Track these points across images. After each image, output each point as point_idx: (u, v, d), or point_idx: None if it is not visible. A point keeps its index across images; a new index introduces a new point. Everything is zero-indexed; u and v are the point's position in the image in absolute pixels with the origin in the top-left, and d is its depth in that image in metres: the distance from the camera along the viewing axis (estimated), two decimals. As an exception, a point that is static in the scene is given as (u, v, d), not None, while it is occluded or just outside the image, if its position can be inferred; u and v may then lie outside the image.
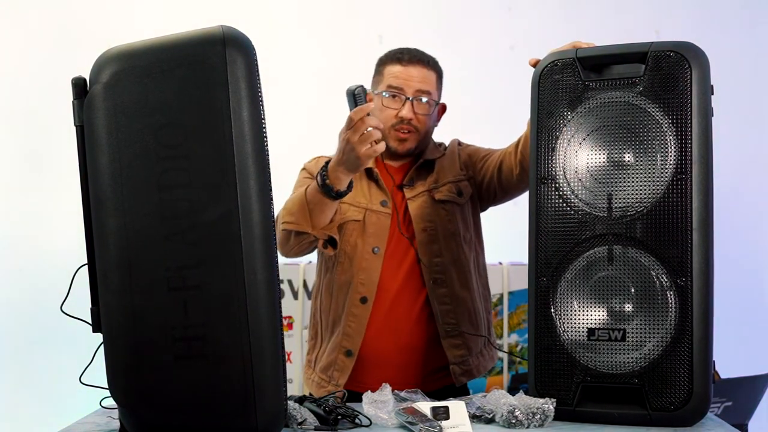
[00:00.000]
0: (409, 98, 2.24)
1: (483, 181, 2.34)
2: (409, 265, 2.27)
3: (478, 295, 2.34)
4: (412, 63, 2.27)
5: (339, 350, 2.25)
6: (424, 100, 2.26)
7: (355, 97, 1.95)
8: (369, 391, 1.86)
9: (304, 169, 2.38)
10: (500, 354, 3.23)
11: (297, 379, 2.81)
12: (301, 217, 2.10)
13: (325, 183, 2.03)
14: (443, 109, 2.38)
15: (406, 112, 2.24)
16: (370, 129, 1.94)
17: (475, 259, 2.34)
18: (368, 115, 1.95)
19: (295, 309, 3.19)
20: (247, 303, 1.54)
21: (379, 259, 2.24)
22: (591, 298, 1.82)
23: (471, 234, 2.35)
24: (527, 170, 2.06)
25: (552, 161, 1.87)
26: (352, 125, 1.95)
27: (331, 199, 2.06)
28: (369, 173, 2.31)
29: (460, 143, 2.44)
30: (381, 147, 1.97)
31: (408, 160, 2.35)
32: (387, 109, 2.26)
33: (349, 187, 2.07)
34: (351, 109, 1.96)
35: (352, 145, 1.95)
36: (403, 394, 1.93)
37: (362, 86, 1.97)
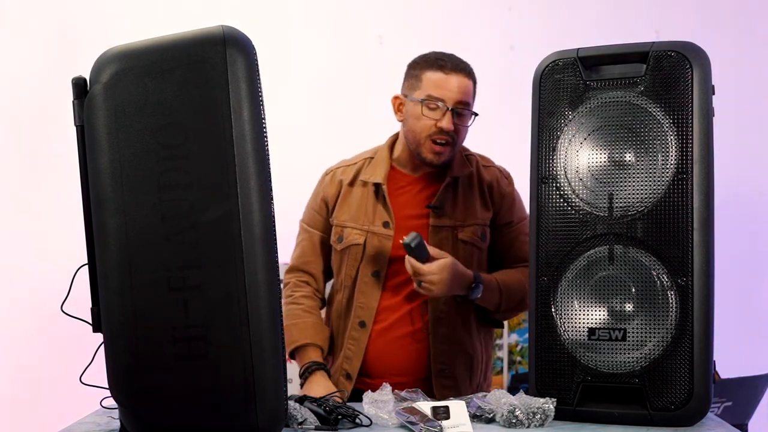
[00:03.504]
0: (450, 108, 2.17)
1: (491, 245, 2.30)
2: (412, 290, 2.21)
3: (479, 339, 2.29)
4: (454, 72, 2.19)
5: (340, 372, 2.26)
6: (465, 112, 2.20)
7: (414, 248, 2.08)
8: (369, 391, 1.86)
9: (317, 191, 2.38)
10: (500, 354, 3.23)
11: (297, 379, 2.80)
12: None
13: (300, 378, 2.23)
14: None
15: (446, 123, 2.16)
16: None
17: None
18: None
19: (295, 309, 3.18)
20: (247, 303, 1.54)
21: (378, 282, 2.23)
22: (592, 298, 1.82)
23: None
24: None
25: (553, 161, 1.87)
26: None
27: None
28: (376, 189, 2.25)
29: (509, 184, 2.34)
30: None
31: (428, 171, 2.28)
32: (425, 118, 2.18)
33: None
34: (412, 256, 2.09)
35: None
36: (403, 393, 1.93)
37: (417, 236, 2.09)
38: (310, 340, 2.26)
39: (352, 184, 2.30)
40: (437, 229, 2.22)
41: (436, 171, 2.27)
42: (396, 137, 2.34)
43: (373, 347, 2.24)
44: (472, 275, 2.16)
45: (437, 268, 2.09)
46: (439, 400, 2.07)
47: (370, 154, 2.34)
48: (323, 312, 2.42)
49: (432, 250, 2.12)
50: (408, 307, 2.23)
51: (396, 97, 2.29)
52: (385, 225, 2.23)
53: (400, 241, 2.10)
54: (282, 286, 2.40)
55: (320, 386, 2.17)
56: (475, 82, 2.26)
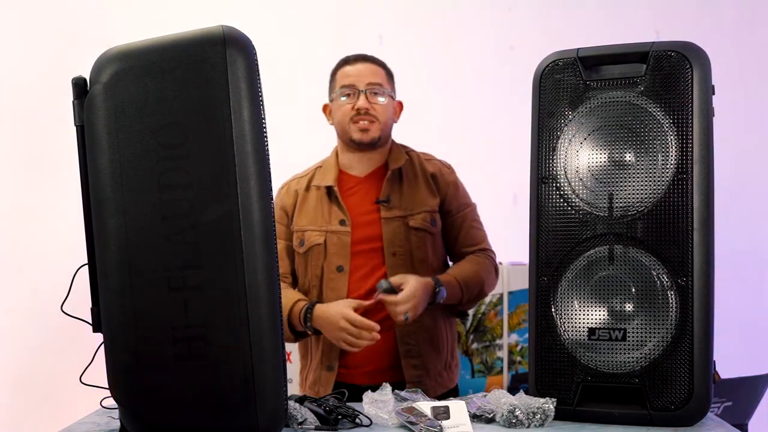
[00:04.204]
0: (362, 91, 2.34)
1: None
2: (377, 278, 2.31)
3: (442, 319, 2.40)
4: (359, 61, 2.40)
5: (321, 366, 2.35)
6: (377, 91, 2.35)
7: (388, 288, 2.22)
8: (369, 391, 1.86)
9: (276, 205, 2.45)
10: (500, 354, 3.23)
11: (297, 379, 2.80)
12: None
13: (307, 325, 2.27)
14: (400, 106, 2.46)
15: (361, 102, 2.34)
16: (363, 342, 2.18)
17: None
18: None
19: (295, 309, 3.18)
20: (247, 303, 1.54)
21: (344, 276, 2.33)
22: (592, 298, 1.82)
23: (438, 261, 2.41)
24: None
25: (553, 161, 1.87)
26: (356, 325, 2.18)
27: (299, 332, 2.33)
28: (329, 191, 2.38)
29: (452, 173, 2.47)
30: (355, 349, 2.21)
31: (373, 170, 2.40)
32: (344, 105, 2.35)
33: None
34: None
35: (340, 335, 2.19)
36: (403, 393, 1.93)
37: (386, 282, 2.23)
38: (297, 298, 2.34)
39: (307, 190, 2.43)
40: (388, 220, 2.34)
41: (380, 169, 2.40)
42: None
43: None
44: (432, 282, 2.28)
45: (409, 295, 2.21)
46: (408, 380, 2.28)
47: (319, 164, 2.48)
48: None
49: (392, 279, 2.25)
50: (373, 297, 2.31)
51: (325, 106, 2.47)
52: (342, 223, 2.35)
53: (377, 295, 2.25)
54: None
55: (330, 307, 2.24)
56: (388, 71, 2.42)
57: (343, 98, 2.36)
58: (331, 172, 2.41)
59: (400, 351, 2.32)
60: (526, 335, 2.96)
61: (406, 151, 2.45)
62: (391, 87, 2.42)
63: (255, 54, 1.59)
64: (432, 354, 2.35)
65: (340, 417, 1.78)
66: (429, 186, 2.40)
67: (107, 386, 1.60)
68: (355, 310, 2.21)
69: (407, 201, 2.36)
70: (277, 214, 2.43)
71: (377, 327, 2.18)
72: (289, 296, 2.31)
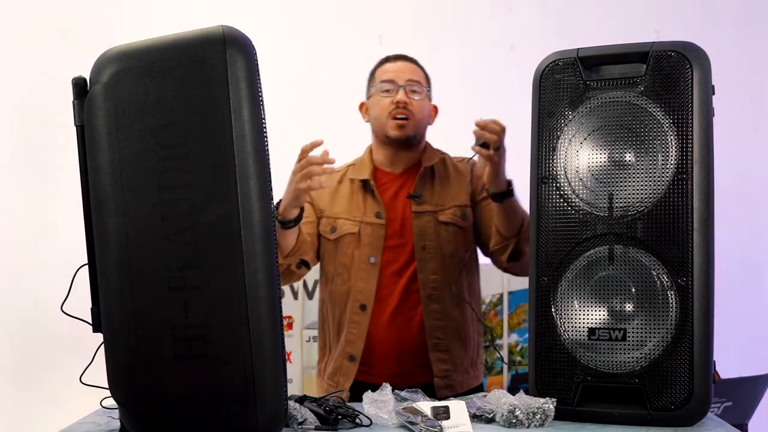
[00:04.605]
0: (402, 86, 2.35)
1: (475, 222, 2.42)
2: (409, 276, 2.34)
3: (470, 316, 2.40)
4: (399, 60, 2.42)
5: (343, 356, 2.34)
6: (416, 89, 2.36)
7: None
8: (369, 391, 1.87)
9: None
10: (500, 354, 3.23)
11: (297, 379, 2.81)
12: None
13: (277, 215, 2.16)
14: (435, 110, 2.47)
15: (400, 96, 2.35)
16: (313, 169, 2.06)
17: (469, 282, 2.41)
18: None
19: (295, 309, 3.19)
20: (247, 303, 1.54)
21: (375, 268, 2.33)
22: (592, 298, 1.82)
23: (469, 257, 2.41)
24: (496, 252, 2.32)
25: (553, 161, 1.87)
26: (299, 158, 2.09)
27: (285, 228, 2.18)
28: (365, 185, 2.39)
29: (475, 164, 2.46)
30: (319, 183, 2.08)
31: (407, 167, 2.42)
32: (382, 100, 2.37)
33: (299, 216, 2.20)
34: None
35: (292, 178, 2.10)
36: (403, 393, 1.93)
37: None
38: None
39: (340, 182, 2.44)
40: (418, 214, 2.36)
41: (413, 166, 2.41)
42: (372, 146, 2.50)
43: (375, 330, 2.33)
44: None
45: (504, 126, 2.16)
46: (436, 374, 2.28)
47: (351, 162, 2.50)
48: (315, 300, 2.46)
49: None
50: (403, 292, 2.34)
51: (362, 105, 2.48)
52: (377, 215, 2.36)
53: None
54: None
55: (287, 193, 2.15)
56: (426, 74, 2.44)
57: (382, 94, 2.37)
58: (366, 168, 2.42)
59: (429, 344, 2.32)
60: (526, 335, 2.96)
61: (441, 153, 2.47)
62: (429, 89, 2.44)
63: (255, 54, 1.59)
64: (460, 349, 2.36)
65: (340, 417, 1.78)
66: (461, 182, 2.41)
67: (107, 386, 1.60)
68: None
69: (438, 197, 2.37)
70: (309, 197, 2.38)
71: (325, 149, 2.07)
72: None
